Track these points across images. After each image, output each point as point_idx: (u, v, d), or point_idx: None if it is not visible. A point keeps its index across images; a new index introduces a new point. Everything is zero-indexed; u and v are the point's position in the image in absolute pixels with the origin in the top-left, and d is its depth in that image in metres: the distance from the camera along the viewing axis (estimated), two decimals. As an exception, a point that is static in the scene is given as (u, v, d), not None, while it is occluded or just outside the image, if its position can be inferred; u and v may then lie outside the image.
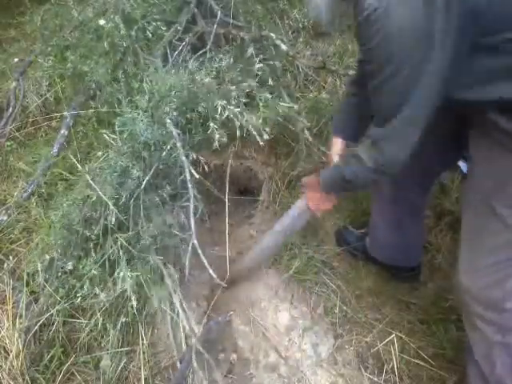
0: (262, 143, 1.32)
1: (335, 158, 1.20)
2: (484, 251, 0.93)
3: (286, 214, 1.31)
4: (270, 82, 1.45)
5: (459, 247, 1.00)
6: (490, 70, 0.80)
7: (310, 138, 1.46)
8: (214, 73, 1.33)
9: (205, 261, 1.19)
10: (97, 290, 1.25)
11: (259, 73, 1.39)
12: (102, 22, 1.51)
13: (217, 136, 1.23)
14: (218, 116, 1.23)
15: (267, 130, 1.32)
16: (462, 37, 0.76)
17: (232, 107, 1.26)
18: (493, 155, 0.89)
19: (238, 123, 1.28)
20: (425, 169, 1.20)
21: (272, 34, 1.52)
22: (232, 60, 1.40)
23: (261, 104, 1.32)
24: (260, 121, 1.28)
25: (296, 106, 1.37)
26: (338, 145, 1.22)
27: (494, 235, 0.91)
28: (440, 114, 1.03)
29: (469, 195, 0.98)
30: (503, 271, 0.91)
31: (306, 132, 1.42)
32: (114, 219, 1.24)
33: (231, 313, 1.36)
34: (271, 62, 1.54)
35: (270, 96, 1.34)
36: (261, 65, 1.39)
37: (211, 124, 1.23)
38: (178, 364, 1.22)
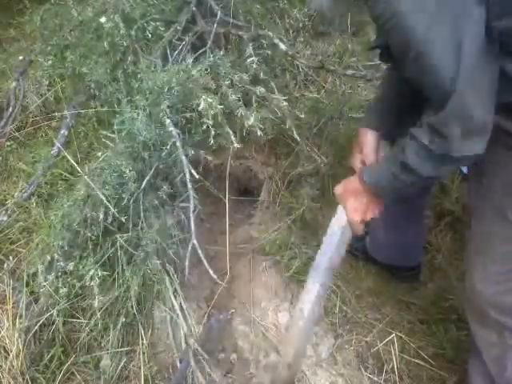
0: (261, 143, 1.32)
1: (371, 156, 1.00)
2: (498, 258, 0.91)
3: (325, 241, 1.04)
4: (266, 79, 1.43)
5: (470, 251, 0.98)
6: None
7: (299, 139, 1.42)
8: (209, 70, 1.32)
9: (205, 261, 1.19)
10: (97, 290, 1.25)
11: (254, 65, 1.37)
12: (103, 19, 1.51)
13: (212, 133, 1.22)
14: (213, 113, 1.22)
15: (264, 129, 1.31)
16: None
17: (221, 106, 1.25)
18: (500, 159, 0.86)
19: (237, 121, 1.28)
20: None
21: (270, 33, 1.51)
22: (229, 58, 1.39)
23: (255, 104, 1.31)
24: (254, 120, 1.27)
25: (285, 103, 1.34)
26: (372, 140, 1.01)
27: (507, 243, 0.89)
28: None
29: (477, 200, 0.95)
30: None
31: (295, 133, 1.38)
32: (113, 219, 1.24)
33: (232, 311, 1.36)
34: (270, 60, 1.54)
35: (263, 90, 1.33)
36: (253, 58, 1.36)
37: (206, 120, 1.22)
38: (178, 364, 1.22)
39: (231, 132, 1.28)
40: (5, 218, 1.50)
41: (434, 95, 0.76)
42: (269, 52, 1.53)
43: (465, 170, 1.54)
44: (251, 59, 1.36)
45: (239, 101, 1.31)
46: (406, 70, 0.78)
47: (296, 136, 1.39)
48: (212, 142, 1.28)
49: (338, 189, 1.00)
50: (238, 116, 1.31)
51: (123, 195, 1.27)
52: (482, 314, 0.97)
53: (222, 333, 1.33)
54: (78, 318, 1.29)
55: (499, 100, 0.75)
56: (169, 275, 1.33)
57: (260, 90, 1.33)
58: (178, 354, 1.25)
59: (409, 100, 0.97)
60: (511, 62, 0.73)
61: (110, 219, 1.25)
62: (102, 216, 1.26)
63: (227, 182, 1.42)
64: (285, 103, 1.35)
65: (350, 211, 0.98)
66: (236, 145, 1.26)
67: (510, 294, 0.91)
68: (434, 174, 0.83)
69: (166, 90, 1.23)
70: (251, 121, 1.26)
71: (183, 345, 1.24)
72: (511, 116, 0.81)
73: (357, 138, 1.06)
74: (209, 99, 1.19)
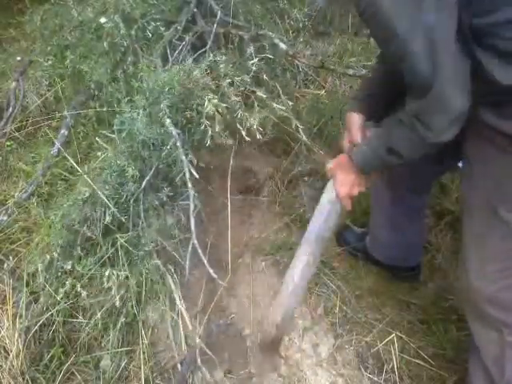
0: (261, 143, 1.32)
1: (357, 135, 1.06)
2: (492, 256, 0.92)
3: (316, 214, 1.11)
4: (267, 80, 1.44)
5: (464, 250, 0.98)
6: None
7: (305, 138, 1.43)
8: (209, 70, 1.32)
9: (205, 261, 1.19)
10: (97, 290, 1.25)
11: (254, 68, 1.38)
12: (103, 20, 1.51)
13: (209, 133, 1.22)
14: (212, 113, 1.22)
15: (264, 129, 1.31)
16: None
17: (224, 105, 1.25)
18: (488, 155, 0.87)
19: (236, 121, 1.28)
20: (420, 173, 1.19)
21: (270, 33, 1.52)
22: (230, 58, 1.39)
23: (256, 103, 1.31)
24: (256, 120, 1.28)
25: (290, 103, 1.35)
26: (357, 120, 1.08)
27: (501, 240, 0.89)
28: None
29: (469, 198, 0.96)
30: None
31: (301, 132, 1.39)
32: (113, 219, 1.24)
33: (232, 316, 1.36)
34: (270, 59, 1.54)
35: (265, 96, 1.33)
36: (255, 60, 1.37)
37: (203, 120, 1.22)
38: (179, 366, 1.22)
39: (234, 133, 1.29)
40: (5, 218, 1.50)
41: (415, 85, 0.81)
42: (269, 52, 1.53)
43: (461, 165, 1.54)
44: (253, 61, 1.36)
45: (240, 101, 1.31)
46: (389, 59, 0.84)
47: (301, 134, 1.39)
48: (212, 142, 1.28)
49: (330, 164, 1.09)
50: (239, 117, 1.32)
51: (123, 195, 1.27)
52: (480, 312, 0.97)
53: (221, 338, 1.33)
54: (78, 318, 1.29)
55: (489, 99, 0.79)
56: (169, 275, 1.33)
57: (261, 93, 1.33)
58: (178, 354, 1.25)
59: (394, 89, 1.00)
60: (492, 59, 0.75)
61: (110, 219, 1.25)
62: (101, 216, 1.26)
63: (229, 183, 1.42)
64: (290, 103, 1.35)
65: (338, 184, 1.06)
66: (240, 147, 1.27)
67: (508, 290, 0.91)
68: (415, 157, 0.91)
69: (166, 90, 1.23)
70: (253, 125, 1.26)
71: (183, 345, 1.24)
72: (495, 108, 0.81)
73: (344, 120, 1.13)
74: (214, 101, 1.20)
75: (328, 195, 1.08)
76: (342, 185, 1.05)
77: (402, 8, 0.72)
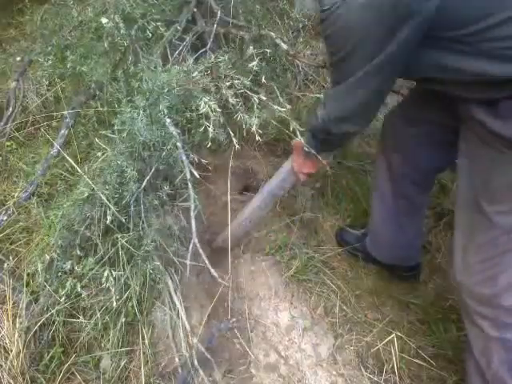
0: (261, 143, 1.33)
1: None
2: (474, 248, 0.94)
3: (274, 175, 1.39)
4: (267, 82, 1.44)
5: (453, 246, 1.01)
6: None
7: (303, 142, 1.43)
8: (209, 71, 1.32)
9: (206, 260, 1.19)
10: (97, 290, 1.25)
11: (256, 68, 1.38)
12: (104, 20, 1.51)
13: (210, 135, 1.22)
14: (212, 114, 1.22)
15: (264, 130, 1.31)
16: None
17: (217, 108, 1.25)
18: (476, 151, 0.90)
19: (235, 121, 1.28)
20: (422, 169, 1.20)
21: (271, 33, 1.52)
22: (230, 58, 1.39)
23: (255, 105, 1.32)
24: (256, 121, 1.28)
25: (289, 106, 1.36)
26: None
27: (482, 233, 0.91)
28: (433, 112, 1.04)
29: (459, 192, 0.99)
30: (494, 268, 0.91)
31: (299, 136, 1.40)
32: (113, 219, 1.23)
33: (234, 320, 1.35)
34: (271, 60, 1.54)
35: (264, 98, 1.34)
36: (255, 62, 1.37)
37: (203, 121, 1.23)
38: (180, 370, 1.21)
39: (234, 134, 1.29)
40: (5, 218, 1.50)
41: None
42: (269, 52, 1.53)
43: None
44: (253, 63, 1.36)
45: (239, 102, 1.31)
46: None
47: (299, 138, 1.39)
48: (212, 142, 1.28)
49: (294, 142, 1.24)
50: (238, 119, 1.32)
51: (123, 195, 1.27)
52: (465, 307, 0.99)
53: (224, 342, 1.32)
54: (78, 318, 1.29)
55: (483, 96, 0.81)
56: (169, 275, 1.33)
57: (261, 96, 1.33)
58: (179, 355, 1.25)
59: None
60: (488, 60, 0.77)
61: (110, 219, 1.25)
62: (102, 216, 1.26)
63: (229, 183, 1.42)
64: (288, 106, 1.36)
65: (293, 162, 1.27)
66: (240, 147, 1.27)
67: (487, 283, 0.92)
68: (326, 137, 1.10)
69: (166, 90, 1.23)
70: (252, 127, 1.27)
71: (183, 345, 1.24)
72: (482, 105, 0.83)
73: None
74: (210, 103, 1.20)
75: (287, 164, 1.31)
76: (295, 163, 1.26)
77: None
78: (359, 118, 1.00)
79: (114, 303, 1.20)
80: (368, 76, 0.85)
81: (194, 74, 1.25)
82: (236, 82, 1.31)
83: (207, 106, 1.20)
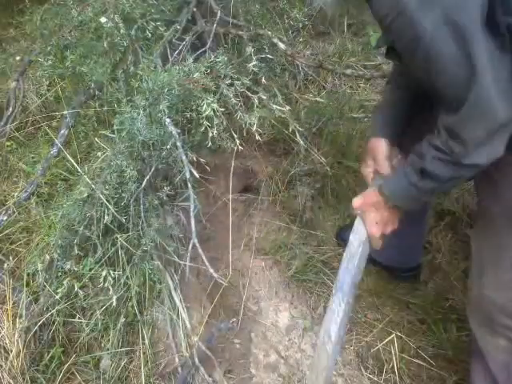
0: (261, 143, 1.32)
1: (385, 164, 0.97)
2: (509, 266, 0.90)
3: (346, 257, 1.01)
4: (266, 81, 1.44)
5: (480, 260, 0.96)
6: None
7: (302, 143, 1.42)
8: (209, 70, 1.32)
9: (206, 260, 1.19)
10: (97, 290, 1.25)
11: (255, 69, 1.37)
12: (103, 19, 1.51)
13: (210, 135, 1.22)
14: (212, 115, 1.22)
15: (264, 129, 1.31)
16: None
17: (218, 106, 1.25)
18: (509, 166, 0.82)
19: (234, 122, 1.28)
20: None
21: (270, 33, 1.51)
22: (229, 58, 1.39)
23: (256, 105, 1.32)
24: (256, 121, 1.28)
25: (288, 107, 1.35)
26: (383, 148, 0.98)
27: None
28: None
29: (490, 208, 0.91)
30: None
31: (298, 136, 1.40)
32: (113, 219, 1.23)
33: (234, 320, 1.35)
34: (270, 60, 1.54)
35: (264, 97, 1.33)
36: (255, 62, 1.37)
37: (203, 122, 1.23)
38: (180, 369, 1.21)
39: (234, 134, 1.29)
40: (5, 218, 1.50)
41: (450, 95, 0.72)
42: (268, 52, 1.53)
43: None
44: (252, 63, 1.36)
45: (239, 102, 1.32)
46: (416, 70, 0.76)
47: (298, 139, 1.39)
48: (212, 142, 1.29)
49: (357, 202, 0.97)
50: (238, 119, 1.32)
51: (123, 195, 1.27)
52: (490, 321, 0.95)
53: (224, 342, 1.32)
54: (78, 318, 1.29)
55: None
56: (169, 275, 1.33)
57: (261, 96, 1.33)
58: (179, 355, 1.25)
59: (417, 102, 0.96)
60: None
61: (109, 219, 1.25)
62: (102, 216, 1.26)
63: (230, 182, 1.42)
64: (287, 107, 1.35)
65: (371, 225, 0.95)
66: (240, 147, 1.27)
67: None
68: (453, 176, 0.80)
69: (165, 90, 1.23)
70: (253, 125, 1.27)
71: (183, 345, 1.24)
72: None
73: (366, 147, 1.04)
74: (213, 105, 1.19)
75: (358, 236, 0.98)
76: (374, 225, 0.95)
77: (428, 8, 0.66)
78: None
79: (114, 303, 1.20)
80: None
81: (196, 75, 1.25)
82: (236, 82, 1.31)
83: (210, 108, 1.20)
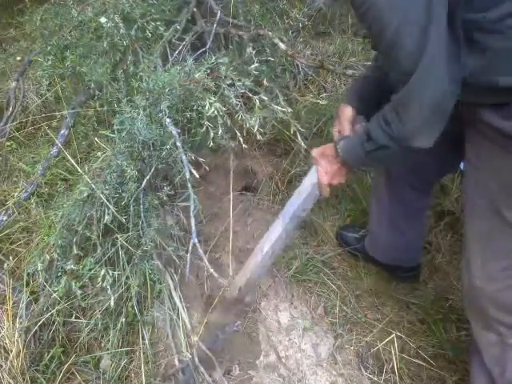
0: (261, 143, 1.32)
1: (347, 127, 1.07)
2: (495, 256, 0.91)
3: (294, 195, 1.15)
4: (267, 82, 1.44)
5: (467, 250, 0.98)
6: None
7: (302, 143, 1.43)
8: (209, 71, 1.32)
9: (206, 260, 1.19)
10: (97, 290, 1.25)
11: (256, 73, 1.38)
12: (103, 19, 1.51)
13: (211, 135, 1.22)
14: (213, 115, 1.23)
15: (265, 130, 1.31)
16: None
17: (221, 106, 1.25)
18: (492, 156, 0.86)
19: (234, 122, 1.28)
20: (421, 174, 1.19)
21: (270, 33, 1.51)
22: (230, 60, 1.39)
23: (257, 106, 1.32)
24: (256, 122, 1.28)
25: (290, 110, 1.35)
26: (348, 113, 1.08)
27: (503, 239, 0.89)
28: None
29: (472, 198, 0.95)
30: None
31: (299, 137, 1.40)
32: (113, 219, 1.24)
33: (239, 323, 1.35)
34: (270, 60, 1.54)
35: (265, 98, 1.34)
36: (257, 65, 1.37)
37: (204, 122, 1.23)
38: (180, 369, 1.21)
39: (238, 133, 1.29)
40: (5, 218, 1.50)
41: (400, 71, 0.79)
42: (269, 52, 1.53)
43: (462, 166, 1.54)
44: (253, 66, 1.36)
45: (240, 102, 1.32)
46: (380, 54, 0.83)
47: (299, 140, 1.39)
48: (213, 142, 1.29)
49: (316, 151, 1.08)
50: (239, 119, 1.32)
51: (123, 195, 1.27)
52: (481, 312, 0.97)
53: (226, 344, 1.32)
54: (78, 318, 1.29)
55: (491, 100, 0.78)
56: (169, 275, 1.33)
57: (262, 97, 1.33)
58: (179, 356, 1.24)
59: (387, 92, 0.99)
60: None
61: (109, 219, 1.25)
62: (101, 216, 1.26)
63: (231, 182, 1.42)
64: (289, 109, 1.35)
65: (321, 173, 1.07)
66: (244, 145, 1.27)
67: (510, 290, 0.91)
68: (386, 145, 0.88)
69: (166, 90, 1.23)
70: (253, 126, 1.27)
71: (183, 345, 1.24)
72: (499, 110, 0.80)
73: (336, 111, 1.13)
74: (216, 104, 1.20)
75: (310, 179, 1.12)
76: (324, 173, 1.07)
77: (397, 12, 0.72)
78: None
79: (112, 303, 1.20)
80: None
81: (197, 76, 1.25)
82: (238, 84, 1.31)
83: (213, 108, 1.20)
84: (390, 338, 1.29)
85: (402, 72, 0.77)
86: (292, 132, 1.41)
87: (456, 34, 0.74)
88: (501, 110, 0.80)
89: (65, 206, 1.33)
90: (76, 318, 1.29)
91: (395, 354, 1.26)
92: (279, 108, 1.33)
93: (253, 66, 1.36)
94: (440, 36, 0.72)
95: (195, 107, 1.27)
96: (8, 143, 1.81)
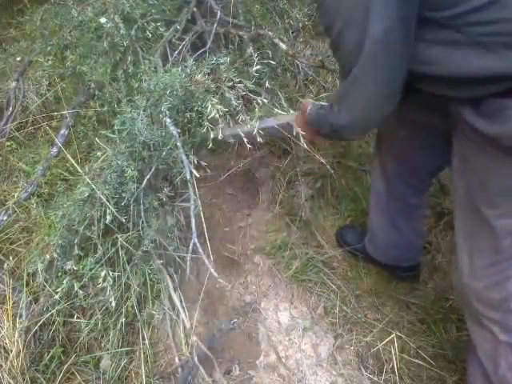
0: (261, 143, 1.32)
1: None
2: (478, 253, 0.93)
3: (276, 117, 1.32)
4: (268, 84, 1.44)
5: (457, 248, 1.00)
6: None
7: (306, 146, 1.43)
8: (209, 71, 1.33)
9: (206, 260, 1.19)
10: (97, 290, 1.25)
11: (256, 75, 1.38)
12: (103, 20, 1.51)
13: (211, 135, 1.22)
14: (213, 115, 1.23)
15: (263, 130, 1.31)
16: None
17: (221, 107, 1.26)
18: (470, 154, 0.88)
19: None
20: (414, 170, 1.19)
21: (270, 33, 1.52)
22: (230, 59, 1.39)
23: (258, 107, 1.32)
24: (257, 123, 1.28)
25: (292, 111, 1.36)
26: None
27: (484, 237, 0.90)
28: (422, 111, 1.02)
29: (457, 195, 0.97)
30: (501, 274, 0.90)
31: (302, 139, 1.40)
32: (113, 219, 1.23)
33: (235, 320, 1.35)
34: (271, 61, 1.54)
35: (266, 100, 1.34)
36: (258, 67, 1.38)
37: (205, 123, 1.23)
38: (180, 369, 1.21)
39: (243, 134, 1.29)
40: (5, 218, 1.50)
41: (345, 61, 0.84)
42: (270, 52, 1.53)
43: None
44: (255, 68, 1.37)
45: (240, 103, 1.32)
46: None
47: (302, 142, 1.39)
48: (213, 143, 1.29)
49: (305, 102, 1.15)
50: (239, 121, 1.32)
51: (123, 195, 1.27)
52: (473, 310, 0.98)
53: (224, 342, 1.32)
54: (78, 318, 1.29)
55: (468, 95, 0.79)
56: (169, 275, 1.33)
57: (263, 99, 1.34)
58: (179, 356, 1.25)
59: None
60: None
61: (110, 219, 1.25)
62: (101, 216, 1.26)
63: (231, 183, 1.42)
64: (291, 111, 1.36)
65: (296, 122, 1.20)
66: (249, 145, 1.28)
67: (497, 288, 0.91)
68: (328, 122, 0.97)
69: (167, 92, 1.24)
70: (253, 127, 1.27)
71: (183, 344, 1.24)
72: (468, 105, 0.80)
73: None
74: (218, 106, 1.21)
75: (290, 118, 1.26)
76: (297, 122, 1.20)
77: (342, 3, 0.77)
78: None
79: (113, 303, 1.21)
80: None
81: (198, 77, 1.25)
82: (239, 85, 1.31)
83: (215, 109, 1.21)
84: (389, 338, 1.29)
85: (344, 68, 0.84)
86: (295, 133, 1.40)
87: (408, 33, 0.76)
88: (477, 108, 0.80)
89: (65, 206, 1.33)
90: (76, 318, 1.29)
91: (395, 354, 1.26)
92: (280, 112, 1.33)
93: (254, 69, 1.36)
94: (381, 36, 0.74)
95: (196, 108, 1.27)
96: (8, 143, 1.81)
